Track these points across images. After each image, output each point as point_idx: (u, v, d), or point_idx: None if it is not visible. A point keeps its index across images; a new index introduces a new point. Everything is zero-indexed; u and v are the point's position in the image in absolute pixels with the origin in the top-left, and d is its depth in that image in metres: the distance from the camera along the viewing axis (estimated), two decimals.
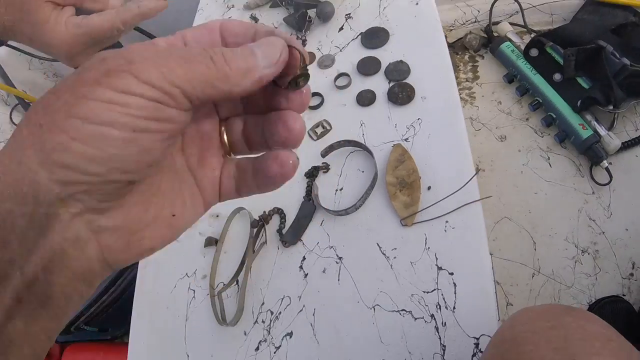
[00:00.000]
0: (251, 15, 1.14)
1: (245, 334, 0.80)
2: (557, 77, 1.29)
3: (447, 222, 0.77)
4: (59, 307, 0.26)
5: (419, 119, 0.88)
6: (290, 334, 0.77)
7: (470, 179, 0.78)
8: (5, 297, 0.24)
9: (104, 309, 1.30)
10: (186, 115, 0.28)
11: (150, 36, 1.50)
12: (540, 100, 1.32)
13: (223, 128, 0.35)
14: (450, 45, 1.55)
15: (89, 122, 0.24)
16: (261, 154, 0.35)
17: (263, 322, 0.80)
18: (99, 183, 0.25)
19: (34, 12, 0.52)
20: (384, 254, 0.78)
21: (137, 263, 0.95)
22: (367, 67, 0.97)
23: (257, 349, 0.78)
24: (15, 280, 0.24)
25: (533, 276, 1.17)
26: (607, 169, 1.20)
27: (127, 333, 0.89)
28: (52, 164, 0.24)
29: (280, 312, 0.79)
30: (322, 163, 0.89)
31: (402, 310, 0.73)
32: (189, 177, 0.34)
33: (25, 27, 0.53)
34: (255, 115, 0.35)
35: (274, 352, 0.77)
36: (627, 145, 1.23)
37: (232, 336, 0.80)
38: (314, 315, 0.77)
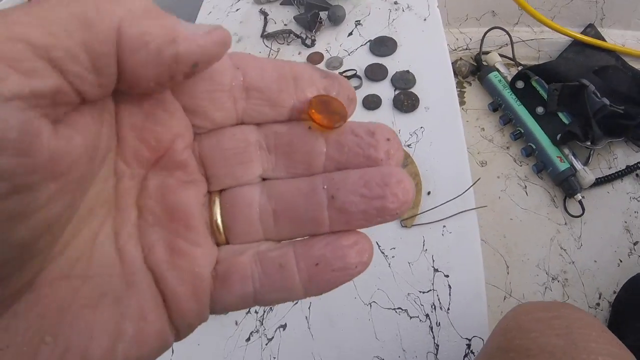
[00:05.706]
0: (261, 10, 1.14)
1: (236, 323, 0.78)
2: (539, 110, 1.35)
3: (444, 226, 0.79)
4: None
5: (422, 127, 0.90)
6: (284, 326, 0.76)
7: (470, 187, 0.81)
8: None
9: None
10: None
11: None
12: (522, 131, 1.37)
13: (217, 200, 0.22)
14: None
15: None
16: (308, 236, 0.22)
17: (256, 312, 0.78)
18: None
19: None
20: (383, 253, 0.78)
21: None
22: (375, 73, 0.99)
23: (248, 339, 0.76)
24: None
25: (505, 299, 1.20)
26: (580, 202, 1.26)
27: None
28: None
29: None
30: None
31: (398, 308, 0.73)
32: (144, 280, 0.20)
33: None
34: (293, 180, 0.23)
35: (266, 344, 0.75)
36: (600, 181, 1.29)
37: (222, 325, 0.78)
38: (309, 308, 0.76)
